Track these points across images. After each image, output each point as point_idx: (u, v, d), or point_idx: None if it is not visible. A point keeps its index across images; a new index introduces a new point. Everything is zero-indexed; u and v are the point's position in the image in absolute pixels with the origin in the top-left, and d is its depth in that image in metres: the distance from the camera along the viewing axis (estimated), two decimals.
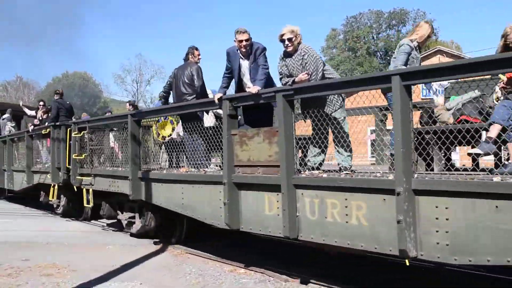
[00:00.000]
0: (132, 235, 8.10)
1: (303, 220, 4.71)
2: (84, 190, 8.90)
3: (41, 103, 13.04)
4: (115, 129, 8.98)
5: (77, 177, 9.07)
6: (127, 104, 13.50)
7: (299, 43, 5.01)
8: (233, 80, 5.92)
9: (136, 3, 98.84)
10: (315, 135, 4.98)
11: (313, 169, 5.07)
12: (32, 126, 11.83)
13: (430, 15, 53.22)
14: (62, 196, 10.66)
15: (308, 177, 4.70)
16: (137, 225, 7.71)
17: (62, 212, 10.92)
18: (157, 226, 7.50)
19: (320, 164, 5.18)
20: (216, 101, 5.51)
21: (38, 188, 11.76)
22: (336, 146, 5.03)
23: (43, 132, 10.84)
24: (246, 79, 5.74)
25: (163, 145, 7.96)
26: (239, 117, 7.55)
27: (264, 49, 5.64)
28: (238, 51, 5.70)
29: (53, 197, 10.56)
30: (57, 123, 10.25)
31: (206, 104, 6.01)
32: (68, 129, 9.64)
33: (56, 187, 10.35)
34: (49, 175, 10.25)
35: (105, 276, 5.66)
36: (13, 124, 15.31)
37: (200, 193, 5.94)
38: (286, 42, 4.96)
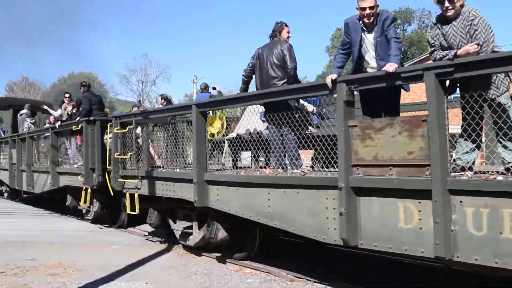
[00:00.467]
0: (185, 247, 6.99)
1: (461, 237, 3.61)
2: (128, 195, 7.64)
3: (67, 95, 11.64)
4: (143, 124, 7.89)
5: (118, 179, 7.83)
6: (160, 97, 12.15)
7: (461, 6, 3.90)
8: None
9: (139, 3, 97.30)
10: (470, 126, 3.88)
11: (466, 169, 3.97)
12: (59, 122, 10.62)
13: (435, 14, 52.36)
14: (94, 200, 9.45)
15: (474, 180, 3.60)
16: (196, 236, 6.50)
17: (93, 218, 9.75)
18: (224, 239, 6.32)
19: (473, 163, 4.08)
20: (329, 84, 4.35)
21: (62, 190, 10.62)
22: (501, 140, 3.92)
23: (73, 129, 9.52)
24: (369, 56, 4.62)
25: (226, 142, 6.86)
26: (312, 107, 6.45)
27: (394, 19, 4.54)
28: (360, 22, 4.57)
29: (85, 202, 9.28)
30: (91, 118, 9.03)
31: (310, 89, 4.85)
32: (107, 124, 8.43)
33: (89, 190, 9.08)
34: (80, 177, 9.05)
35: (110, 276, 5.63)
36: (33, 121, 14.18)
37: (296, 200, 4.79)
38: (446, 4, 3.84)
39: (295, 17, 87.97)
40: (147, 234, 8.69)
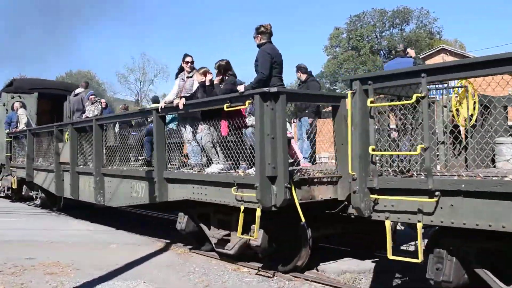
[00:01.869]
0: None
1: None
2: (387, 225, 4.20)
3: (189, 59, 7.32)
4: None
5: (369, 195, 4.36)
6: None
7: None
8: None
9: (138, 2, 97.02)
10: None
11: None
12: (183, 100, 6.53)
13: (433, 13, 52.99)
14: (253, 227, 5.64)
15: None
16: None
17: (236, 254, 6.25)
18: None
19: None
20: None
21: (159, 205, 7.55)
22: None
23: (225, 108, 5.75)
24: None
25: None
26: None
27: None
28: None
29: (246, 233, 5.68)
30: (273, 90, 5.28)
31: None
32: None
33: (258, 213, 5.34)
34: (235, 189, 5.61)
35: (108, 275, 5.62)
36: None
37: None
38: None
39: (294, 17, 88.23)
40: None
